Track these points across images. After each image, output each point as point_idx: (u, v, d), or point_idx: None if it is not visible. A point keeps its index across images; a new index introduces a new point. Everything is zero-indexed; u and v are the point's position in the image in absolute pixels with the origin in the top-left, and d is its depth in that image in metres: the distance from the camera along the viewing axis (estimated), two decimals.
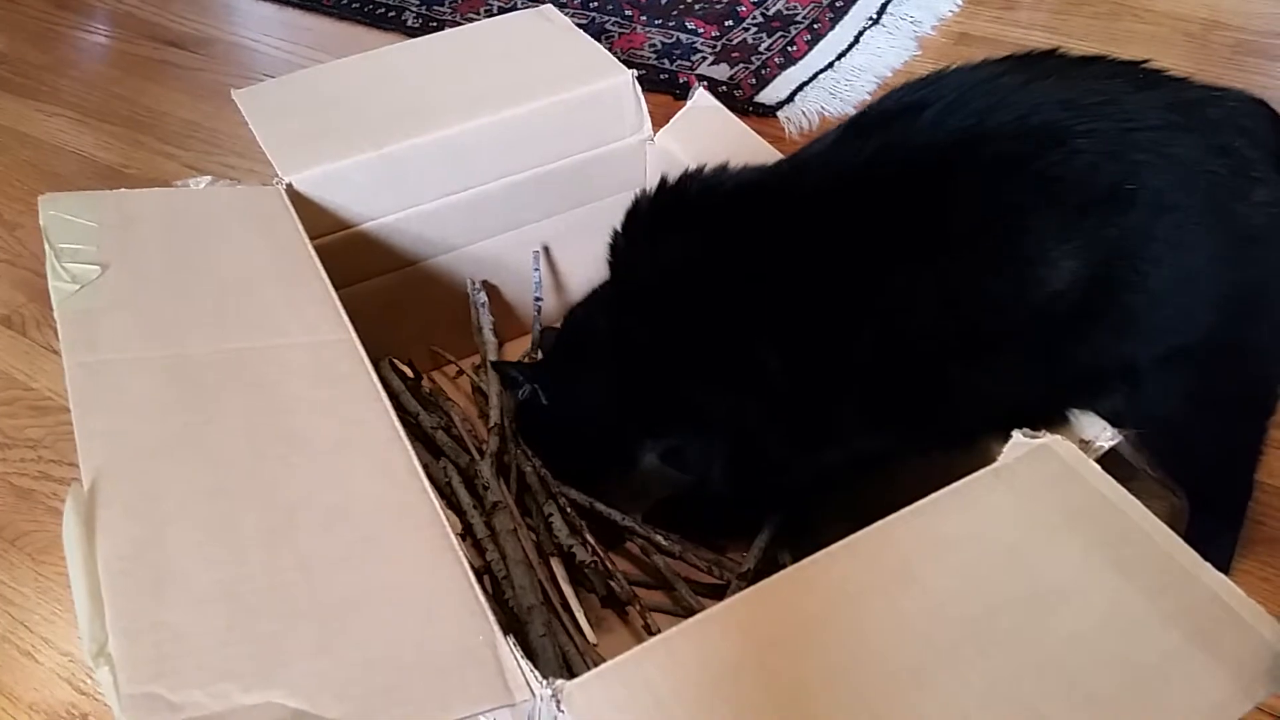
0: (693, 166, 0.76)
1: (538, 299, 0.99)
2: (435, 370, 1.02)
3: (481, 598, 0.53)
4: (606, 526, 0.83)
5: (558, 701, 0.49)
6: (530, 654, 0.72)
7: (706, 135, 0.97)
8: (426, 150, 0.88)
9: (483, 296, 0.97)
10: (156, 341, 0.64)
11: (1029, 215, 0.59)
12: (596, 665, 0.73)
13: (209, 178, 0.81)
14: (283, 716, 0.46)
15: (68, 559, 0.51)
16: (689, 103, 0.99)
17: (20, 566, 0.90)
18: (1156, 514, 0.55)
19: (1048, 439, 0.60)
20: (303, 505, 0.56)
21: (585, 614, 0.78)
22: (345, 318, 0.69)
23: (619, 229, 0.79)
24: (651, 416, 0.78)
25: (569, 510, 0.81)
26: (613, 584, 0.77)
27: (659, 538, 0.81)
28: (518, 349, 1.02)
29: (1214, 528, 0.77)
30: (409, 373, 0.96)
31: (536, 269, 0.99)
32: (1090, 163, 0.58)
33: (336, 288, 0.82)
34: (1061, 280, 0.59)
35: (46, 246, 0.70)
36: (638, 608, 0.77)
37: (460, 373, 1.01)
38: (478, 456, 0.84)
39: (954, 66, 0.65)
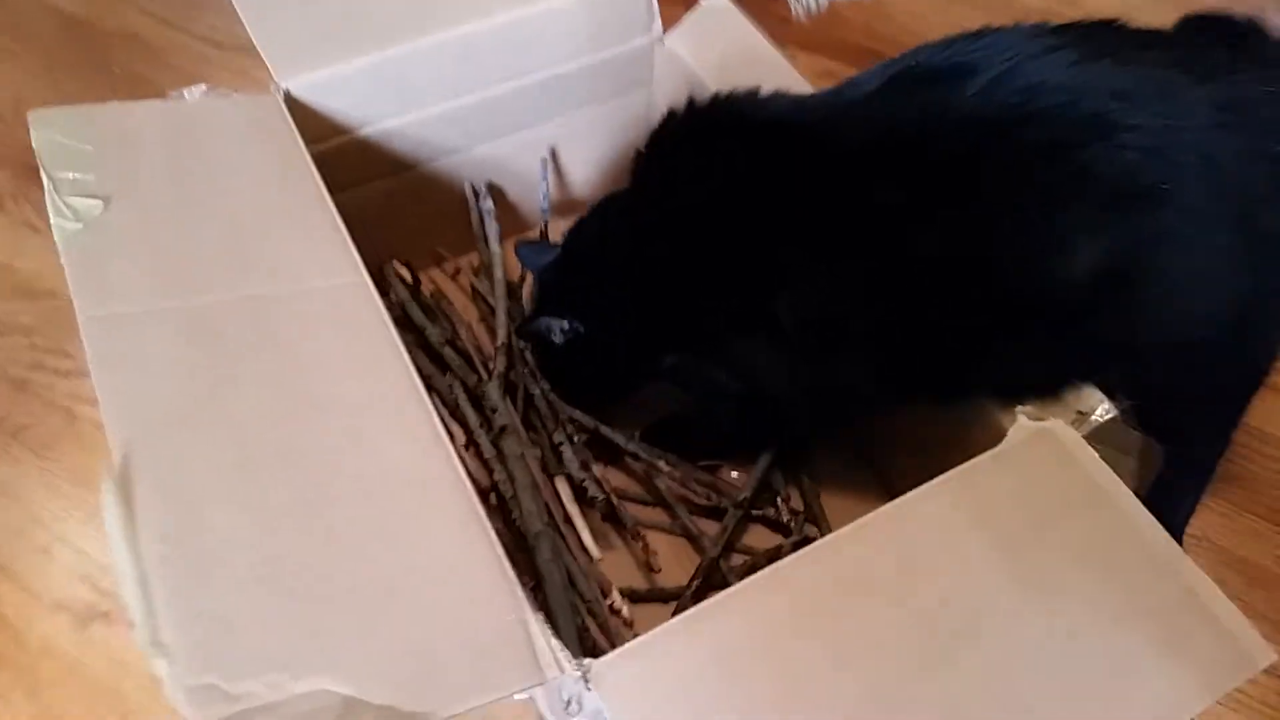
0: (724, 90, 0.74)
1: (545, 211, 0.97)
2: (435, 267, 1.02)
3: (510, 573, 0.55)
4: (610, 445, 0.86)
5: (586, 680, 0.53)
6: (537, 577, 0.76)
7: (719, 41, 0.94)
8: (430, 53, 0.85)
9: (488, 204, 0.95)
10: (170, 290, 0.63)
11: (1061, 203, 0.60)
12: (601, 586, 0.78)
13: (203, 86, 0.78)
14: (334, 703, 0.49)
15: (112, 545, 0.53)
16: (703, 2, 0.95)
17: (25, 462, 0.91)
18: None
19: (1050, 423, 0.62)
20: (332, 477, 0.57)
21: (589, 531, 0.82)
22: (357, 256, 0.69)
23: (645, 146, 0.77)
24: (667, 341, 0.79)
25: (576, 439, 0.84)
26: (618, 515, 0.81)
27: (661, 463, 0.84)
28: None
29: (1188, 476, 0.81)
30: (409, 277, 0.96)
31: (545, 179, 0.97)
32: (1132, 160, 0.58)
33: (335, 191, 0.81)
34: (1083, 268, 0.60)
35: (44, 176, 0.68)
36: (641, 543, 0.81)
37: (459, 271, 1.01)
38: (485, 375, 0.86)
39: (1011, 26, 0.63)
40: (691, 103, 0.74)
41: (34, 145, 0.69)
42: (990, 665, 0.54)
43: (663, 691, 0.53)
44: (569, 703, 0.55)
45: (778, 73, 0.89)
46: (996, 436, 0.64)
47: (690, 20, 0.95)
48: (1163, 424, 0.74)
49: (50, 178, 0.68)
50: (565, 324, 0.80)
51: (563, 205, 1.06)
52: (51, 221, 0.66)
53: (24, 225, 1.08)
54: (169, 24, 1.30)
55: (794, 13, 1.28)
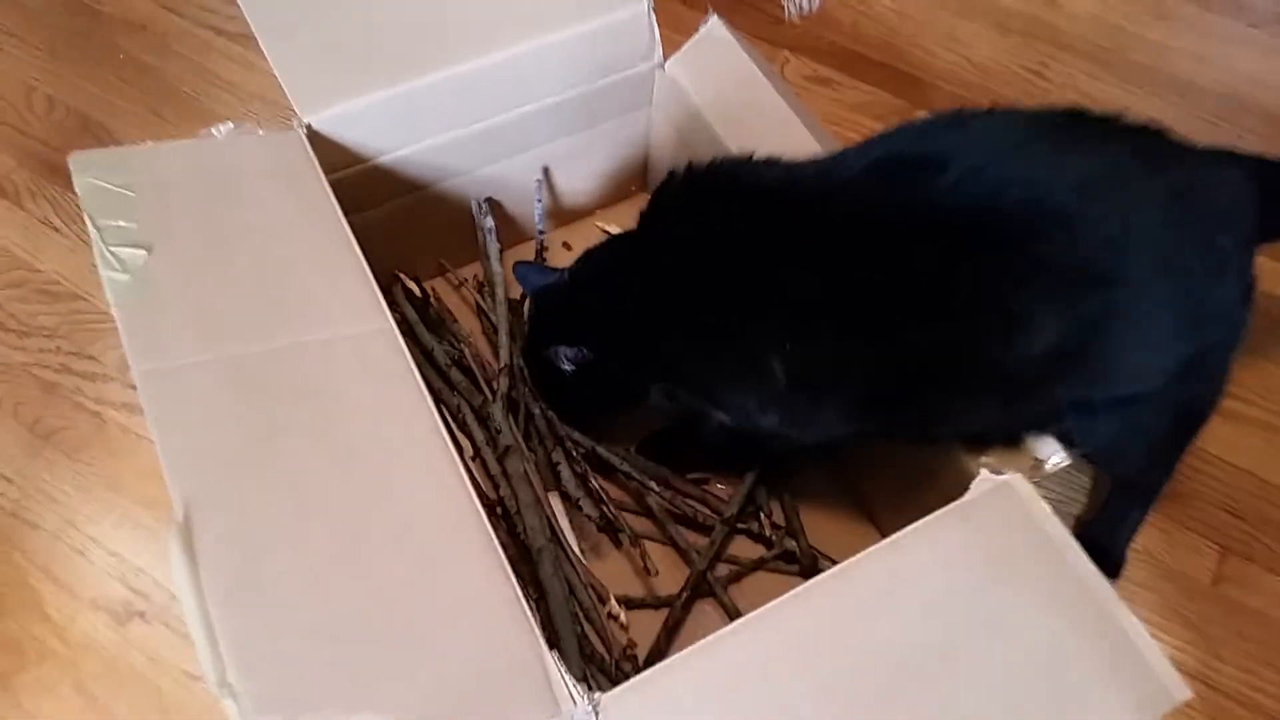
0: (721, 156, 0.80)
1: (540, 232, 1.03)
2: (440, 276, 1.07)
3: (529, 612, 0.63)
4: (606, 460, 0.93)
5: (596, 711, 0.60)
6: (540, 590, 0.84)
7: (715, 69, 0.98)
8: (440, 87, 0.89)
9: (489, 222, 1.01)
10: (214, 342, 0.69)
11: (1022, 287, 0.66)
12: (598, 594, 0.85)
13: (230, 124, 0.82)
14: None
15: (179, 592, 0.59)
16: (702, 30, 1.00)
17: (58, 464, 0.97)
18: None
19: (1009, 477, 0.70)
20: (368, 524, 0.64)
21: (581, 544, 0.90)
22: (381, 300, 0.74)
23: (648, 204, 0.83)
24: (665, 375, 0.85)
25: (574, 455, 0.91)
26: (620, 535, 0.88)
27: (652, 483, 0.91)
28: (520, 256, 1.07)
29: (1133, 501, 0.90)
30: (416, 291, 1.01)
31: (539, 199, 1.02)
32: (1088, 252, 0.64)
33: (351, 212, 0.87)
34: (1040, 340, 0.67)
35: (90, 224, 0.73)
36: (640, 550, 0.88)
37: (463, 283, 1.06)
38: (490, 396, 0.92)
39: (988, 114, 0.69)
40: (690, 166, 0.80)
41: (77, 189, 0.74)
42: (951, 696, 0.62)
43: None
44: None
45: (768, 102, 0.94)
46: (959, 471, 0.73)
47: (690, 48, 0.99)
48: (1111, 463, 0.82)
49: (96, 226, 0.73)
50: (573, 351, 0.86)
51: (566, 215, 1.12)
52: (101, 273, 0.71)
53: (43, 224, 1.12)
54: (173, 10, 1.33)
55: (786, 13, 1.33)
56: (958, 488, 0.75)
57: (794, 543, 0.90)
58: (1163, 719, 0.61)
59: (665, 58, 0.99)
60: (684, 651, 0.63)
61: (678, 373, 0.83)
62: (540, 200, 1.02)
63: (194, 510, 0.62)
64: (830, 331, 0.72)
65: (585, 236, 1.12)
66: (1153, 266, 0.65)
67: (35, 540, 0.93)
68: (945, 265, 0.67)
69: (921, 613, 0.65)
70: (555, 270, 0.93)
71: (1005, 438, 0.74)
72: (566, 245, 1.11)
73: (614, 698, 0.61)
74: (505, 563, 0.64)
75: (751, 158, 0.79)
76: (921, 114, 1.19)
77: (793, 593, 0.66)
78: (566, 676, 0.61)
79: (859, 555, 0.67)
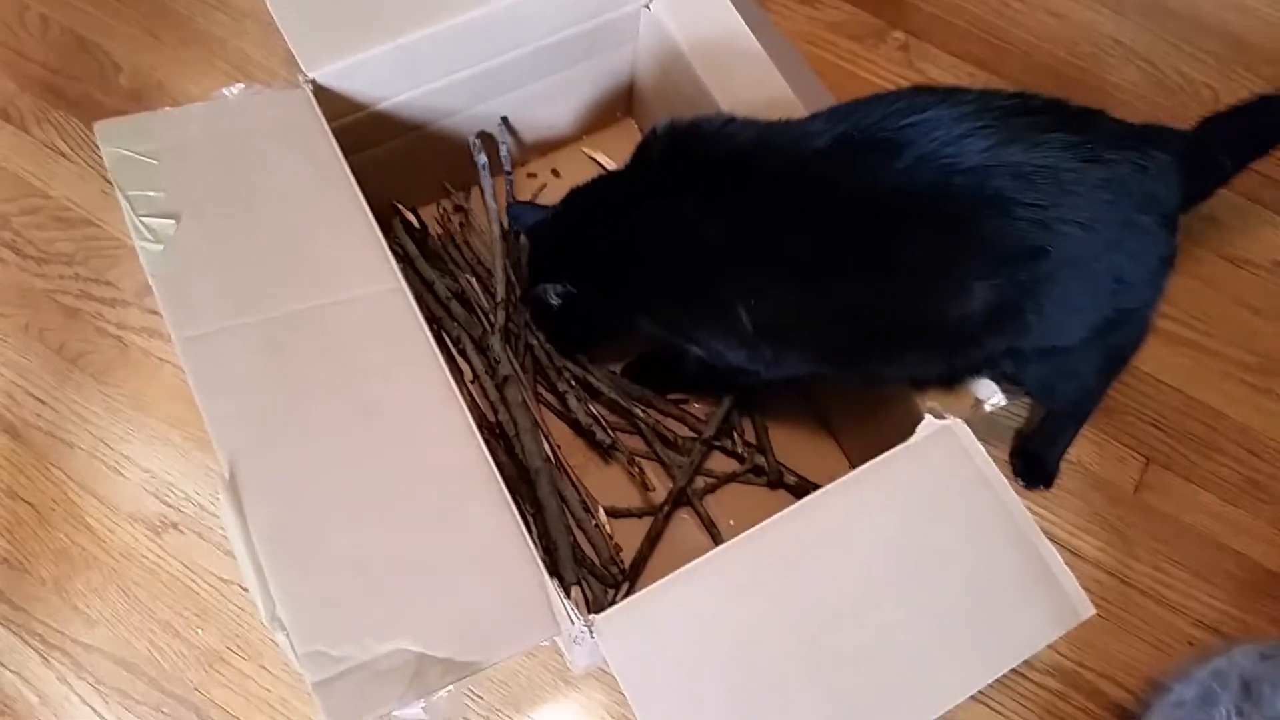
0: (705, 116, 0.87)
1: (508, 173, 1.09)
2: (444, 199, 1.14)
3: (533, 547, 0.73)
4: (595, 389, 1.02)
5: (590, 630, 0.71)
6: (537, 506, 0.95)
7: (698, 13, 1.02)
8: (440, 37, 0.93)
9: (483, 158, 1.06)
10: (242, 307, 0.77)
11: (963, 259, 0.75)
12: (588, 506, 0.96)
13: (242, 85, 0.87)
14: (409, 658, 0.67)
15: (231, 540, 0.69)
16: None
17: (86, 387, 1.05)
18: None
19: (950, 421, 0.80)
20: (391, 474, 0.73)
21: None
22: (392, 261, 0.81)
23: (633, 154, 0.90)
24: (643, 311, 0.93)
25: (575, 384, 1.00)
26: (617, 453, 0.99)
27: (638, 409, 1.00)
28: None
29: (1065, 425, 1.01)
30: (415, 223, 1.08)
31: (503, 141, 1.08)
32: (1023, 230, 0.72)
33: (352, 153, 0.93)
34: (977, 304, 0.76)
35: (120, 195, 0.79)
36: (636, 471, 0.99)
37: (459, 209, 1.12)
38: (489, 328, 1.00)
39: (943, 98, 0.75)
40: (673, 124, 0.86)
41: (106, 161, 0.80)
42: (897, 615, 0.73)
43: (645, 640, 0.71)
44: (576, 639, 0.74)
45: (746, 46, 0.99)
46: (908, 400, 0.85)
47: None
48: (1043, 398, 0.92)
49: (126, 197, 0.79)
50: (559, 287, 0.94)
51: (555, 142, 1.18)
52: (135, 243, 0.77)
53: (50, 150, 1.16)
54: None
55: None
56: (906, 415, 0.86)
57: (763, 458, 1.01)
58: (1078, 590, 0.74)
59: None
60: (665, 578, 0.73)
61: (654, 311, 0.92)
62: (504, 143, 1.08)
63: (237, 466, 0.71)
64: (793, 289, 0.81)
65: (573, 162, 1.17)
66: (1077, 244, 0.73)
67: (73, 459, 1.02)
68: (897, 238, 0.75)
69: (874, 543, 0.76)
70: (546, 208, 0.99)
71: (944, 381, 0.83)
72: (555, 172, 1.16)
73: (606, 618, 0.71)
74: (512, 505, 0.74)
75: (731, 119, 0.85)
76: (897, 35, 1.24)
77: (762, 524, 0.76)
78: (565, 601, 0.71)
79: (820, 491, 0.77)
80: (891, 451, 0.79)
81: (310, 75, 0.89)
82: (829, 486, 0.78)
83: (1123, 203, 0.74)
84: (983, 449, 0.79)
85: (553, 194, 1.11)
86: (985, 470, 0.78)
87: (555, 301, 0.94)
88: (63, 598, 0.97)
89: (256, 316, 0.77)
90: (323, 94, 0.90)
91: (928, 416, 0.80)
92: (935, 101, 0.75)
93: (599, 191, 0.95)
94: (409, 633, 0.68)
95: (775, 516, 0.76)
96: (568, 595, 0.90)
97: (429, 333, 0.79)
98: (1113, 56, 1.27)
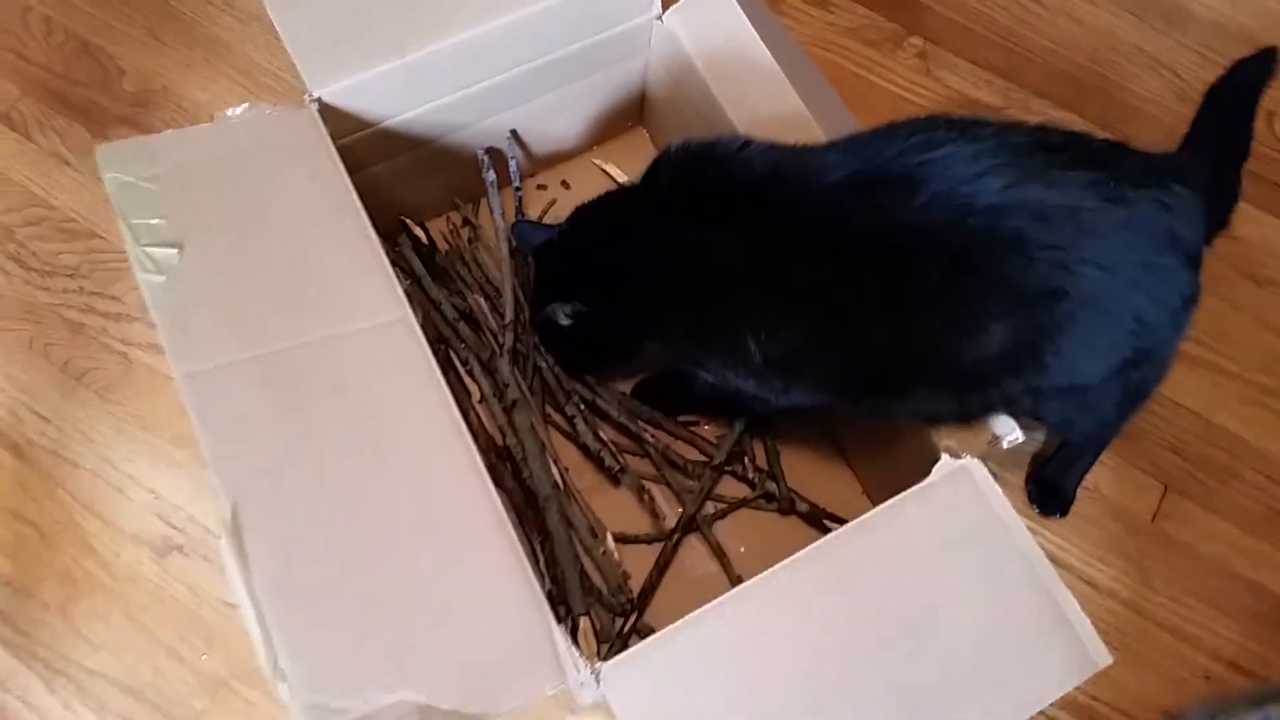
0: (720, 139, 0.84)
1: (517, 188, 1.07)
2: (452, 211, 1.12)
3: (539, 592, 0.71)
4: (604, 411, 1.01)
5: (597, 678, 0.70)
6: (545, 533, 0.93)
7: (712, 25, 1.00)
8: (446, 54, 0.91)
9: (492, 175, 1.04)
10: (246, 340, 0.75)
11: (979, 300, 0.73)
12: (595, 532, 0.95)
13: (246, 105, 0.85)
14: (414, 710, 0.66)
15: (232, 586, 0.68)
16: None
17: (91, 405, 1.04)
18: None
19: (966, 462, 0.78)
20: (395, 515, 0.72)
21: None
22: (399, 290, 0.80)
23: (647, 175, 0.88)
24: (654, 334, 0.92)
25: (584, 407, 0.98)
26: (624, 477, 0.98)
27: (647, 434, 0.99)
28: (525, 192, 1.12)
29: (1082, 453, 0.99)
30: (423, 238, 1.06)
31: (512, 156, 1.06)
32: (1041, 271, 0.70)
33: (358, 170, 0.92)
34: (993, 346, 0.74)
35: (122, 224, 0.77)
36: (645, 496, 0.98)
37: (467, 222, 1.10)
38: (497, 349, 0.99)
39: (956, 137, 0.73)
40: (686, 146, 0.84)
41: (107, 188, 0.78)
42: (913, 664, 0.72)
43: (650, 688, 0.70)
44: (582, 685, 0.73)
45: (760, 60, 0.96)
46: (923, 430, 0.83)
47: (686, 1, 1.00)
48: (1062, 431, 0.90)
49: (129, 226, 0.77)
50: (569, 307, 0.92)
51: (565, 154, 1.16)
52: (137, 274, 0.76)
53: (54, 158, 1.15)
54: None
55: None
56: (921, 442, 0.84)
57: (774, 485, 0.99)
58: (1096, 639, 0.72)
59: (664, 8, 1.00)
60: (672, 626, 0.72)
61: (662, 337, 0.90)
62: (513, 158, 1.06)
63: (240, 508, 0.70)
64: (804, 324, 0.79)
65: (584, 173, 1.15)
66: (1097, 285, 0.71)
67: (77, 478, 1.01)
68: (912, 277, 0.73)
69: (887, 589, 0.74)
70: (551, 227, 0.97)
71: (959, 419, 0.81)
72: (565, 184, 1.14)
73: (612, 667, 0.70)
74: (518, 546, 0.72)
75: (746, 144, 0.83)
76: (914, 41, 1.21)
77: (773, 569, 0.74)
78: (571, 649, 0.70)
79: (832, 535, 0.76)
80: (906, 493, 0.77)
81: (316, 94, 0.87)
82: (841, 530, 0.76)
83: (1144, 243, 0.72)
84: (999, 491, 0.77)
85: (563, 205, 1.09)
86: (1002, 513, 0.77)
87: (565, 322, 0.93)
88: (66, 622, 0.96)
89: (260, 350, 0.75)
90: (328, 112, 0.88)
91: (944, 456, 0.79)
92: (953, 137, 0.73)
93: (607, 211, 0.93)
94: (413, 683, 0.67)
95: (787, 560, 0.75)
96: (576, 627, 0.90)
97: (435, 365, 0.77)
98: (1134, 65, 1.24)
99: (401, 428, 0.75)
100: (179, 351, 0.74)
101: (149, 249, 0.76)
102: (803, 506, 0.99)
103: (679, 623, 0.72)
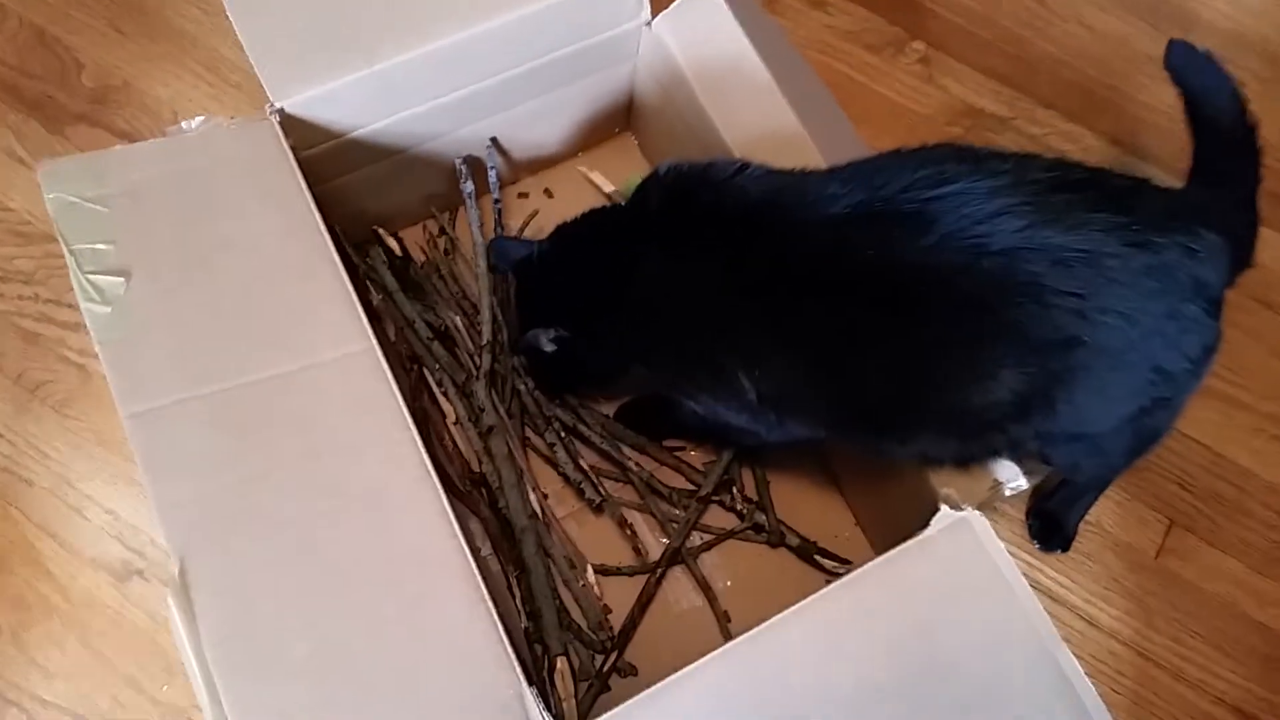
0: (717, 161, 0.79)
1: (496, 201, 1.02)
2: (428, 219, 1.07)
3: (509, 650, 0.67)
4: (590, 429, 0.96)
5: None
6: (522, 566, 0.89)
7: (701, 32, 0.94)
8: (419, 63, 0.86)
9: (470, 185, 0.99)
10: (197, 376, 0.70)
11: (990, 345, 0.68)
12: (575, 563, 0.90)
13: (202, 117, 0.80)
14: None
15: (179, 646, 0.63)
16: None
17: (46, 420, 0.99)
18: None
19: (967, 514, 0.73)
20: (357, 566, 0.67)
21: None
22: (363, 318, 0.75)
23: (636, 196, 0.83)
24: (640, 359, 0.87)
25: (564, 434, 0.94)
26: (606, 507, 0.93)
27: (631, 462, 0.94)
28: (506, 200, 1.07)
29: (1086, 490, 0.95)
30: (397, 249, 1.01)
31: (492, 167, 1.01)
32: (1058, 319, 0.65)
33: (325, 181, 0.86)
34: (1004, 392, 0.69)
35: (65, 250, 0.72)
36: (629, 532, 0.94)
37: (443, 232, 1.05)
38: (474, 371, 0.94)
39: (969, 172, 0.68)
40: (678, 170, 0.79)
41: (49, 209, 0.73)
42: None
43: None
44: None
45: (750, 68, 0.91)
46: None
47: (677, 6, 0.95)
48: (1068, 473, 0.86)
49: (71, 251, 0.72)
50: (552, 332, 0.87)
51: (548, 160, 1.10)
52: (81, 305, 0.71)
53: (8, 156, 1.09)
54: None
55: None
56: (918, 479, 0.79)
57: (763, 516, 0.95)
58: (1095, 684, 0.68)
59: (654, 14, 0.95)
60: (649, 691, 0.68)
61: (650, 365, 0.85)
62: (493, 167, 1.01)
63: (189, 562, 0.65)
64: (800, 362, 0.74)
65: (568, 181, 1.10)
66: (1117, 334, 0.66)
67: (31, 497, 0.96)
68: (918, 318, 0.69)
69: (881, 649, 0.70)
70: (530, 244, 0.91)
71: (959, 463, 0.77)
72: (548, 192, 1.09)
73: None
74: (489, 601, 0.68)
75: (742, 168, 0.78)
76: (916, 46, 1.16)
77: (761, 627, 0.70)
78: (544, 713, 0.66)
79: (823, 592, 0.71)
80: (904, 546, 0.73)
81: (278, 104, 0.82)
82: (836, 585, 0.72)
83: (1169, 292, 0.67)
84: (1001, 545, 0.73)
85: (546, 215, 1.04)
86: (1004, 569, 0.72)
87: (549, 348, 0.88)
88: (19, 648, 0.91)
89: (213, 387, 0.70)
90: (292, 123, 0.83)
91: (943, 507, 0.74)
92: (965, 171, 0.68)
93: (592, 232, 0.87)
94: None
95: (777, 617, 0.70)
96: (552, 667, 0.86)
97: (401, 401, 0.73)
98: (1146, 75, 1.18)
99: (363, 470, 0.71)
100: (124, 389, 0.69)
101: (93, 276, 0.71)
102: (793, 540, 0.94)
103: (665, 682, 0.68)
